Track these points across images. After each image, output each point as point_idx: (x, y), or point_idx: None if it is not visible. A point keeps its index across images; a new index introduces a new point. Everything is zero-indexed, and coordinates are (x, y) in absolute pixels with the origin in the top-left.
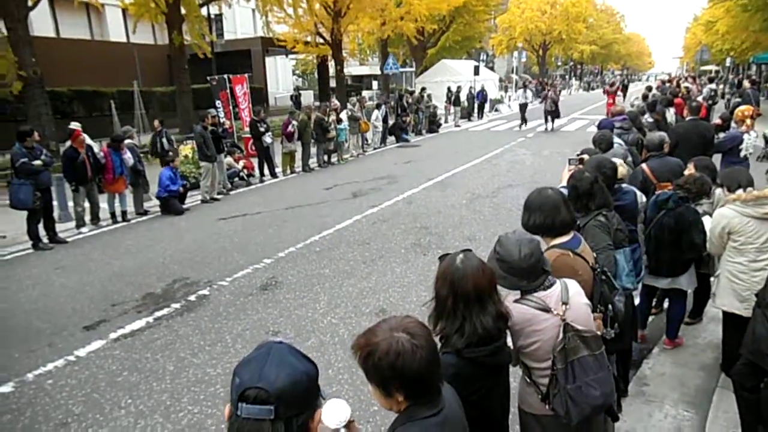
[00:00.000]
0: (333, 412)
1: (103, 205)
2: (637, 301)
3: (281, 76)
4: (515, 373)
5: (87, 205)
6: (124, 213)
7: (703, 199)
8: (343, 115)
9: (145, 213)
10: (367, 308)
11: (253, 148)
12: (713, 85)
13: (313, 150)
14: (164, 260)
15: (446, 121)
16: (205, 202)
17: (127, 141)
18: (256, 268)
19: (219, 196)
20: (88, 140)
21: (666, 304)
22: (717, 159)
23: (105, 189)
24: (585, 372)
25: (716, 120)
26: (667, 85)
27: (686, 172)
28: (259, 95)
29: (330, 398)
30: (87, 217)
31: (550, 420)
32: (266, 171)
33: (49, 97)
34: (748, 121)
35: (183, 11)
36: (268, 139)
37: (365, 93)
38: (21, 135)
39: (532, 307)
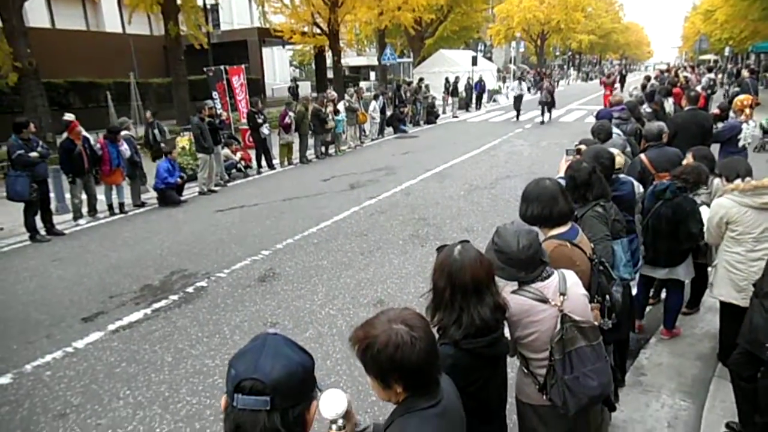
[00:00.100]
0: (330, 403)
1: (101, 196)
2: (634, 291)
3: (278, 67)
4: (513, 364)
5: (84, 196)
6: (121, 205)
7: (701, 189)
8: (341, 107)
9: (143, 205)
10: (365, 299)
11: (251, 139)
12: (712, 75)
13: (311, 141)
14: (162, 252)
15: (444, 112)
16: (202, 194)
17: (124, 132)
18: (254, 259)
19: (216, 188)
20: (84, 132)
21: (663, 295)
22: (715, 149)
23: (102, 181)
24: (582, 362)
25: (715, 110)
26: (666, 74)
27: (685, 162)
28: (256, 86)
29: (327, 389)
30: (84, 209)
31: (547, 410)
32: (264, 162)
33: (45, 89)
34: (747, 111)
35: (179, 1)
36: (265, 130)
37: (363, 84)
38: (17, 126)
39: (530, 298)
